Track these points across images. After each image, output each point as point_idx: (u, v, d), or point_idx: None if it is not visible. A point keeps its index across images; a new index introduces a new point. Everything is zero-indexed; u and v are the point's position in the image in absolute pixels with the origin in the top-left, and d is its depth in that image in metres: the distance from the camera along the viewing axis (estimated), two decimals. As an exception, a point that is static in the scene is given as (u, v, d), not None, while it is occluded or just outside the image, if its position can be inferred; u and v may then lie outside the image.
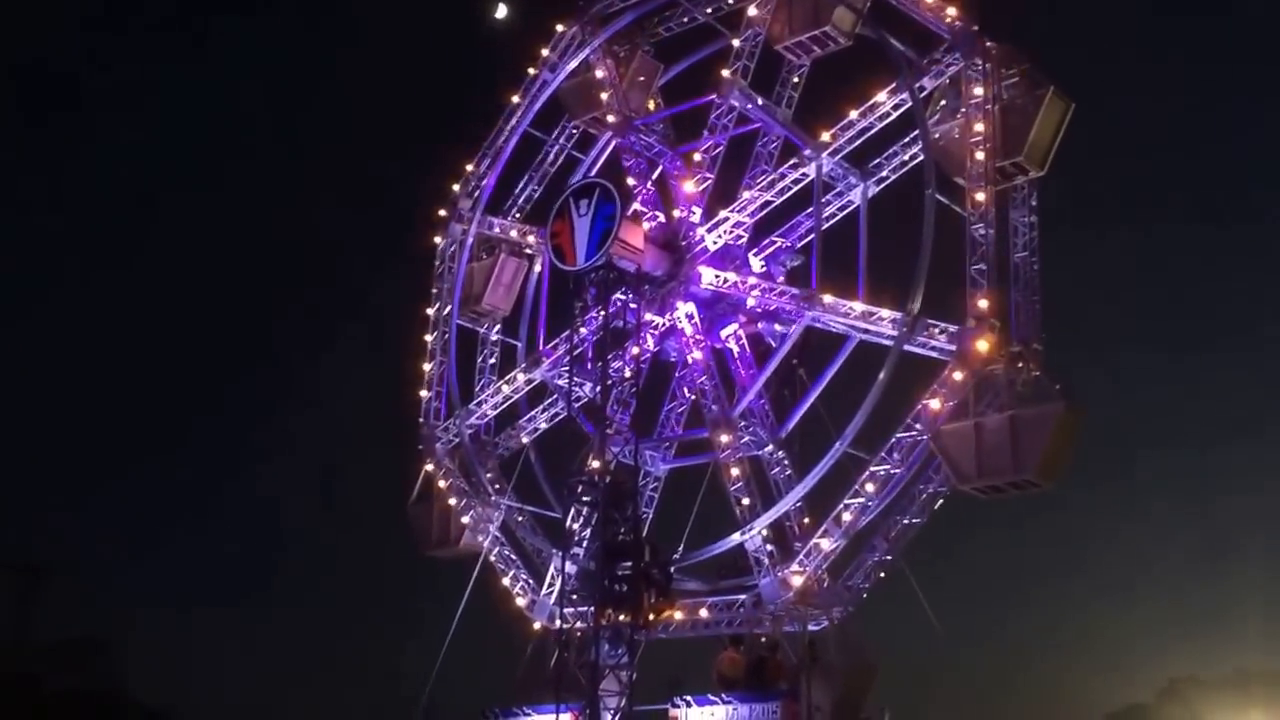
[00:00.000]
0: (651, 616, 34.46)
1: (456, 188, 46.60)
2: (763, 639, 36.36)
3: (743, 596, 36.25)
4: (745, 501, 37.28)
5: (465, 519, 42.65)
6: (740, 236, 40.78)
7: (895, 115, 37.47)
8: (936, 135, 36.48)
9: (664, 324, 40.73)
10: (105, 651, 57.84)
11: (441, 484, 43.76)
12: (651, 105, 44.67)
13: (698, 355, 39.82)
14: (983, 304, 33.71)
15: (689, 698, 34.61)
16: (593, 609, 34.96)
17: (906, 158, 38.22)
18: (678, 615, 36.28)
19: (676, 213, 41.11)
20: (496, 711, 37.81)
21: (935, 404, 33.98)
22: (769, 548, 36.54)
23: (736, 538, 36.66)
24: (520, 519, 42.54)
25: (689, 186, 41.00)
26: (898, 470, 34.42)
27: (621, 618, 34.31)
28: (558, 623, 38.86)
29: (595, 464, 37.02)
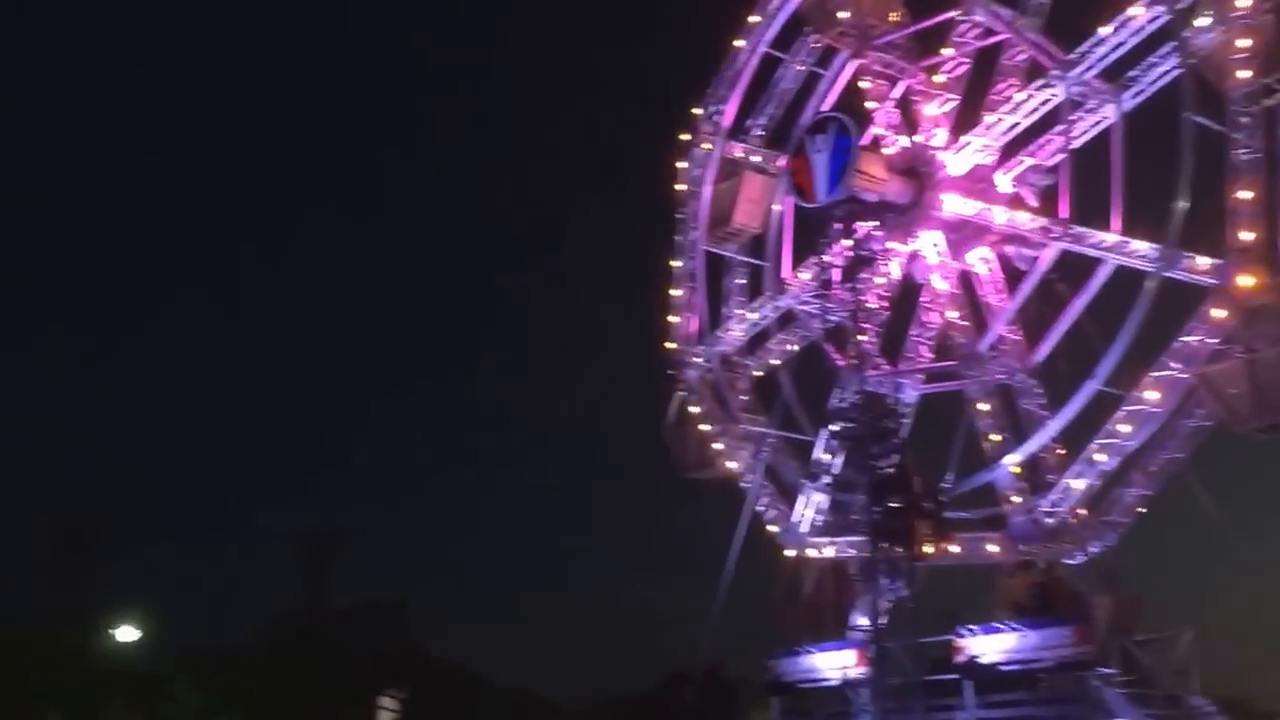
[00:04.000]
0: (926, 548, 34.08)
1: (698, 111, 46.57)
2: (1041, 565, 36.19)
3: (995, 535, 36.22)
4: (995, 436, 36.93)
5: (717, 445, 43.74)
6: (988, 157, 39.41)
7: (1151, 29, 35.00)
8: (1198, 50, 33.92)
9: (909, 250, 40.15)
10: (398, 612, 62.19)
11: (695, 409, 44.90)
12: (894, 17, 43.05)
13: (944, 285, 39.19)
14: (1246, 235, 31.72)
15: (973, 627, 34.62)
16: (862, 542, 35.36)
17: (1167, 68, 35.66)
18: (952, 548, 35.83)
19: (918, 137, 40.03)
20: (780, 653, 38.69)
21: (1194, 340, 32.50)
22: (1021, 483, 36.18)
23: (986, 475, 36.44)
24: (772, 442, 43.25)
25: (931, 109, 39.83)
26: (1156, 409, 33.26)
27: (896, 550, 34.10)
28: (811, 551, 40.17)
29: (849, 396, 37.22)
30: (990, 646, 34.21)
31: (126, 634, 51.23)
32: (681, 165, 46.89)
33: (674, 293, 46.42)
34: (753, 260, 46.33)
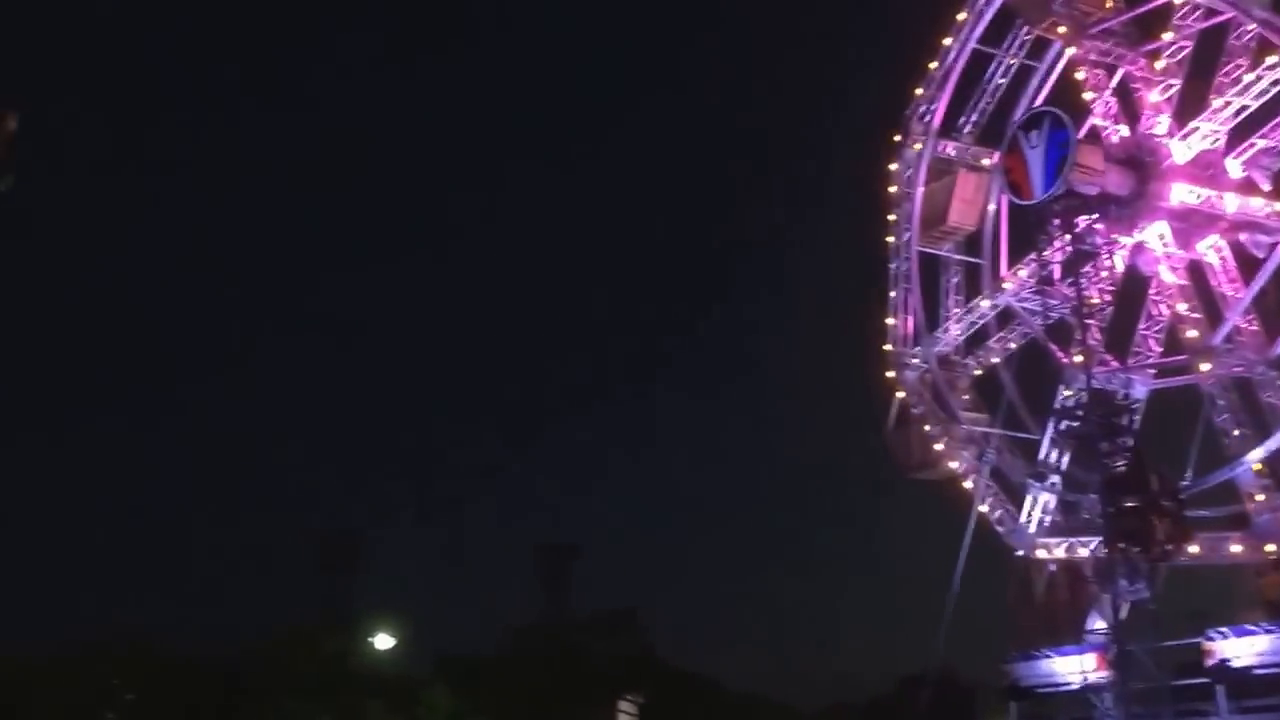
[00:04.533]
0: (1166, 548, 32.88)
1: (908, 112, 46.26)
2: None
3: (1238, 534, 34.85)
4: (1236, 432, 35.52)
5: (939, 445, 43.38)
6: (1215, 141, 37.88)
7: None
8: None
9: (1132, 242, 38.97)
10: (634, 619, 63.80)
11: (915, 410, 44.64)
12: (1110, 4, 41.71)
13: (1172, 276, 37.89)
14: None
15: (1225, 629, 33.42)
16: (1095, 542, 34.55)
17: None
18: (1193, 548, 34.48)
19: (1140, 126, 38.78)
20: (1016, 657, 38.22)
21: None
22: (1265, 480, 34.71)
23: (1227, 472, 35.10)
24: (996, 442, 42.63)
25: (1153, 96, 38.51)
26: None
27: (1134, 550, 33.00)
28: (1040, 552, 39.48)
29: (1076, 393, 36.43)
30: (1243, 649, 32.89)
31: (384, 641, 54.60)
32: (892, 167, 46.79)
33: (889, 294, 46.32)
34: (968, 259, 45.82)
